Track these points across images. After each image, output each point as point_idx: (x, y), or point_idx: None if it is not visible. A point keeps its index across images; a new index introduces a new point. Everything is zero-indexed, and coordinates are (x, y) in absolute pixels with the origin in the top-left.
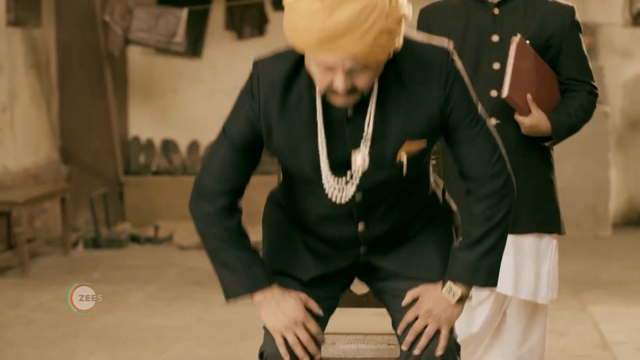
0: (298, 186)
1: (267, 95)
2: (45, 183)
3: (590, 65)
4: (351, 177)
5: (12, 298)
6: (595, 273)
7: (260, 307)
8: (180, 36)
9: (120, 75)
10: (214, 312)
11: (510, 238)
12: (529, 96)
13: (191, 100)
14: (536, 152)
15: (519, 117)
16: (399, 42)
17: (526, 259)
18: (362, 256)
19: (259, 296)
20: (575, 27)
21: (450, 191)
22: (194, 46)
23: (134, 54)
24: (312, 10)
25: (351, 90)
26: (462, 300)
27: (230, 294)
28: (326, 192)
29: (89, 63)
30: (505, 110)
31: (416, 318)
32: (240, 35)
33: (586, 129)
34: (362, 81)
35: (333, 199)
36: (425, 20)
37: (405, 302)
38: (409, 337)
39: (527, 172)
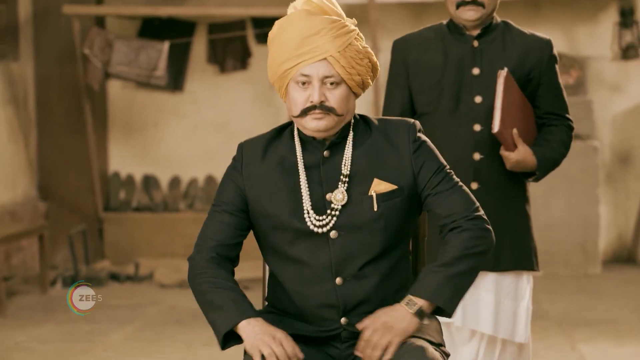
0: (277, 255)
1: (249, 155)
2: (22, 220)
3: (566, 97)
4: (331, 210)
5: None
6: (584, 311)
7: (244, 333)
8: (161, 70)
9: (100, 109)
10: (196, 352)
11: (492, 277)
12: (515, 131)
13: (172, 135)
14: (516, 186)
15: (505, 153)
16: (367, 79)
17: (505, 297)
18: (343, 328)
19: (244, 323)
20: (553, 61)
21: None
22: (176, 80)
23: (114, 88)
24: (294, 16)
25: (325, 108)
26: (420, 313)
27: (222, 329)
28: (307, 224)
29: (68, 97)
30: (490, 145)
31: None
32: (223, 69)
33: (575, 164)
34: (334, 98)
35: (314, 230)
36: (401, 52)
37: (362, 325)
38: (367, 351)
39: (507, 206)
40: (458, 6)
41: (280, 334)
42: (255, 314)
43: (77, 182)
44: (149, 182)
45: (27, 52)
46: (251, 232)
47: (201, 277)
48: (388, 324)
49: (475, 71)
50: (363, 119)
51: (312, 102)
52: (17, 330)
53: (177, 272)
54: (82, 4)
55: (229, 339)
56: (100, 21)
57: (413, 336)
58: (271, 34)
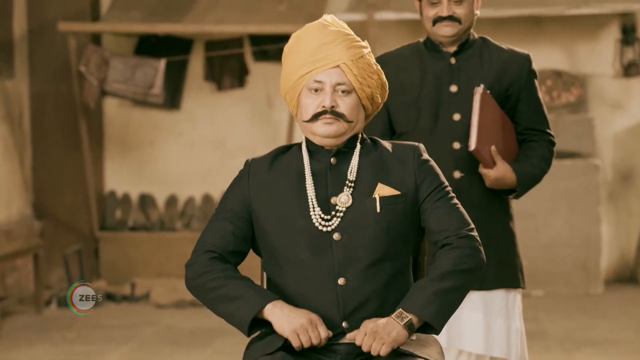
0: (279, 259)
1: (257, 167)
2: (17, 239)
3: (546, 113)
4: (336, 211)
5: None
6: (586, 332)
7: (272, 316)
8: (158, 87)
9: (96, 127)
10: None
11: (480, 295)
12: (493, 148)
13: (169, 153)
14: (498, 204)
15: (483, 170)
16: (376, 94)
17: (496, 315)
18: (344, 331)
19: (269, 306)
20: (532, 76)
21: None
22: (172, 98)
23: (110, 105)
24: (310, 27)
25: (336, 113)
26: (410, 327)
27: (245, 317)
28: (313, 221)
29: (64, 115)
30: (469, 163)
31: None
32: (220, 87)
33: (576, 182)
34: (345, 105)
35: (319, 228)
36: None
37: (352, 334)
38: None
39: (490, 224)
40: (435, 22)
41: (313, 315)
42: (276, 297)
43: (73, 201)
44: (146, 201)
45: (22, 70)
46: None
47: (206, 276)
48: (376, 330)
49: (453, 88)
50: (370, 138)
51: (324, 106)
52: (11, 351)
53: (173, 292)
54: (78, 20)
55: (251, 326)
56: (96, 38)
57: (414, 356)
58: (287, 46)
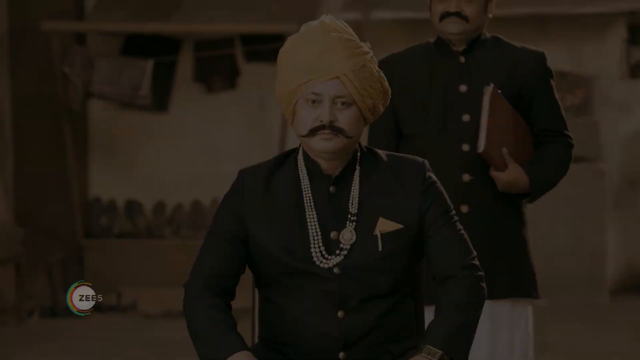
0: (276, 284)
1: (251, 186)
2: None
3: (564, 113)
4: (340, 250)
5: None
6: (591, 343)
7: None
8: (145, 89)
9: (81, 131)
10: None
11: (488, 304)
12: (504, 150)
13: (157, 157)
14: (511, 208)
15: (495, 173)
16: (378, 104)
17: (502, 326)
18: None
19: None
20: (547, 74)
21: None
22: (160, 100)
23: (96, 108)
24: (308, 32)
25: (335, 128)
26: None
27: None
28: (314, 261)
29: (47, 118)
30: (480, 166)
31: None
32: (210, 88)
33: (581, 188)
34: (344, 119)
35: (321, 265)
36: (385, 73)
37: None
38: None
39: (501, 230)
40: (442, 18)
41: None
42: (243, 347)
43: (56, 207)
44: (132, 207)
45: (3, 71)
46: None
47: (196, 306)
48: None
49: (463, 88)
50: (370, 151)
51: (321, 121)
52: None
53: (162, 302)
54: (62, 20)
55: None
56: (81, 38)
57: None
58: (282, 49)
